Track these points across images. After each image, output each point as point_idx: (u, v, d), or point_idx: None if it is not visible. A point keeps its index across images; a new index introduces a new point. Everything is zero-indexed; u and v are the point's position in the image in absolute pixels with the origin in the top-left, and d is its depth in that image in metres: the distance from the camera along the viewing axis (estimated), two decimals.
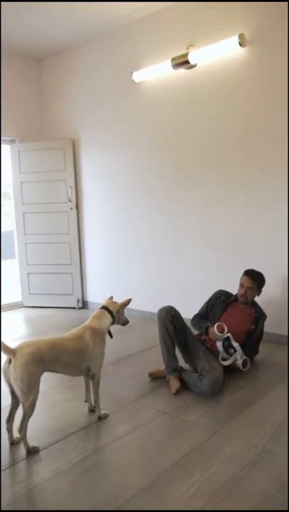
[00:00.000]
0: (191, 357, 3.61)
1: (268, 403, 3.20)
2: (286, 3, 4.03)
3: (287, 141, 4.19)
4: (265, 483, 2.30)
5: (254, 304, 3.96)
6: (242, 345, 3.67)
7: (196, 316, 4.03)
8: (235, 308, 3.92)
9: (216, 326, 3.54)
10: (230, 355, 3.58)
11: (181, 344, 3.65)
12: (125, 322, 3.31)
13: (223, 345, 3.55)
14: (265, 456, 2.53)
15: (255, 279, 3.85)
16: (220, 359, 3.58)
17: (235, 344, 3.59)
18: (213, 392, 3.31)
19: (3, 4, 4.67)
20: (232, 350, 3.59)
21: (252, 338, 3.82)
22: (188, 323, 3.83)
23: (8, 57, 6.06)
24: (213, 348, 3.65)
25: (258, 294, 3.93)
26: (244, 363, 3.64)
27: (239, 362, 3.61)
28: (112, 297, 3.34)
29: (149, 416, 3.08)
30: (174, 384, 3.43)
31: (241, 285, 3.88)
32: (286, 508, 2.09)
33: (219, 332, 3.52)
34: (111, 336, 3.21)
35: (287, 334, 4.39)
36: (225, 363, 3.57)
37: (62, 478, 2.41)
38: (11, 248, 7.06)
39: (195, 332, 3.82)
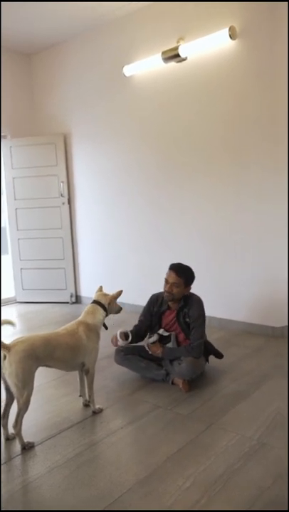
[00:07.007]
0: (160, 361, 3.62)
1: (262, 396, 3.21)
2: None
3: (285, 137, 4.18)
4: (260, 475, 2.31)
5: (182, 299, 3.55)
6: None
7: (135, 329, 3.72)
8: (169, 317, 3.61)
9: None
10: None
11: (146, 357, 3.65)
12: (118, 310, 3.32)
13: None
14: (260, 449, 2.54)
15: (181, 274, 3.45)
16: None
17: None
18: (192, 375, 3.36)
19: None
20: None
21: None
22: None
23: None
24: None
25: (187, 292, 3.51)
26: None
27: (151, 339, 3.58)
28: (101, 288, 3.34)
29: (144, 410, 3.08)
30: (181, 382, 3.37)
31: (166, 280, 3.49)
32: (285, 507, 2.09)
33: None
34: (106, 328, 3.22)
35: (279, 326, 4.41)
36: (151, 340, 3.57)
37: (57, 474, 2.42)
38: (4, 244, 7.03)
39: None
